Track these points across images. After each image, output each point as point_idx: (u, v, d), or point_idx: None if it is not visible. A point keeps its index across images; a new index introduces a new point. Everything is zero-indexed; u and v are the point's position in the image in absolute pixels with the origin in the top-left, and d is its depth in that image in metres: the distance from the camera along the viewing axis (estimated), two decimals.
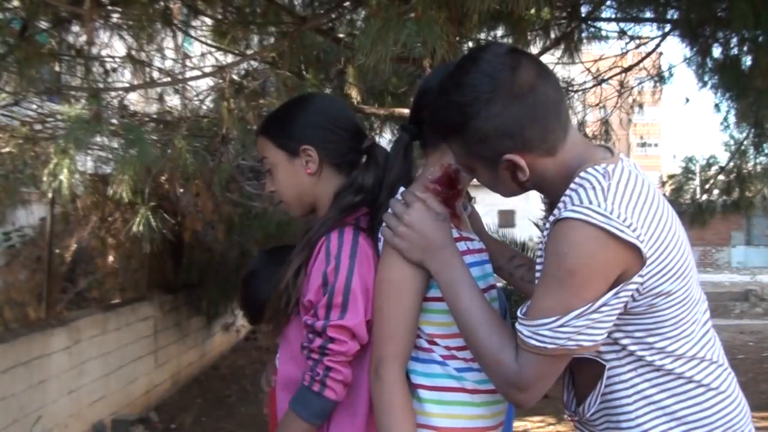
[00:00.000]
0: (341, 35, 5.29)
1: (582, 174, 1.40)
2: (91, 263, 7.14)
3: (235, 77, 4.96)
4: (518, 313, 1.44)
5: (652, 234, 1.35)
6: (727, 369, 1.52)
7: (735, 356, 9.33)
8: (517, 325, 1.43)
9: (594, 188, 1.36)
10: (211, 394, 7.50)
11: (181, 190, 6.47)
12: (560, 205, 1.41)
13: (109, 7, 4.30)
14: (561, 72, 7.38)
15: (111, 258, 6.97)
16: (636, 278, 1.35)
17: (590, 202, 1.34)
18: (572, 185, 1.41)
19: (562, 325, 1.35)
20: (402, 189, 1.73)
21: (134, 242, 5.84)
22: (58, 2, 3.49)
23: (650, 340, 1.44)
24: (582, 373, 1.54)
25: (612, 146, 1.53)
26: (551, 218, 1.41)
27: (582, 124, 7.92)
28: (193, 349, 8.21)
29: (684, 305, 1.43)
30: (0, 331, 5.47)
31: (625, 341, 1.46)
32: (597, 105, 7.74)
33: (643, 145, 40.95)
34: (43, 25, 4.19)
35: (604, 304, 1.35)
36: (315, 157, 1.80)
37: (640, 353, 1.45)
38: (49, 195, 5.48)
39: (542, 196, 1.63)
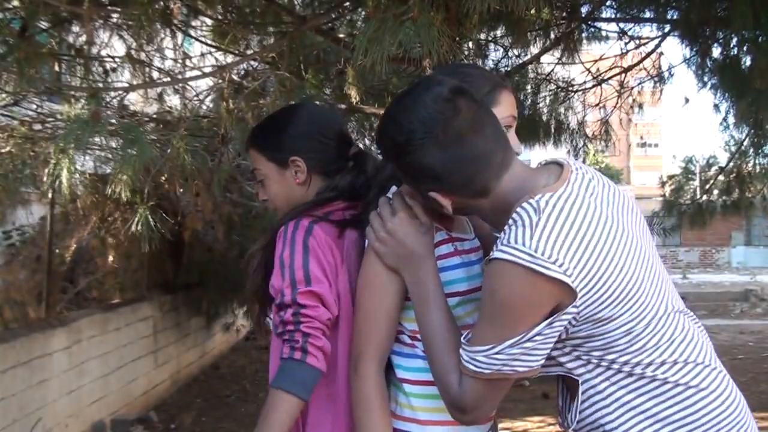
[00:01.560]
0: (341, 35, 5.29)
1: (517, 210, 1.44)
2: (91, 263, 7.15)
3: (234, 77, 4.96)
4: (461, 339, 1.51)
5: (584, 265, 1.38)
6: (713, 367, 1.53)
7: (735, 356, 9.34)
8: (460, 350, 1.49)
9: (523, 226, 1.40)
10: (211, 394, 7.51)
11: (181, 190, 6.47)
12: (497, 241, 1.45)
13: (109, 7, 4.30)
14: (561, 72, 7.38)
15: (111, 258, 6.98)
16: (570, 309, 1.40)
17: (516, 242, 1.38)
18: (509, 221, 1.45)
19: (497, 353, 1.42)
20: (394, 188, 1.75)
21: (134, 242, 5.84)
22: (57, 2, 3.49)
23: (610, 357, 1.48)
24: (569, 385, 1.58)
25: (564, 160, 1.56)
26: (486, 257, 1.47)
27: (582, 125, 7.92)
28: (192, 349, 8.21)
29: (636, 323, 1.45)
30: (0, 330, 5.47)
31: (587, 358, 1.50)
32: (597, 105, 7.73)
33: (643, 145, 40.95)
34: (43, 25, 4.19)
35: (538, 334, 1.40)
36: (303, 168, 1.86)
37: (605, 364, 1.49)
38: (49, 195, 5.49)
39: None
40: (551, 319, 1.39)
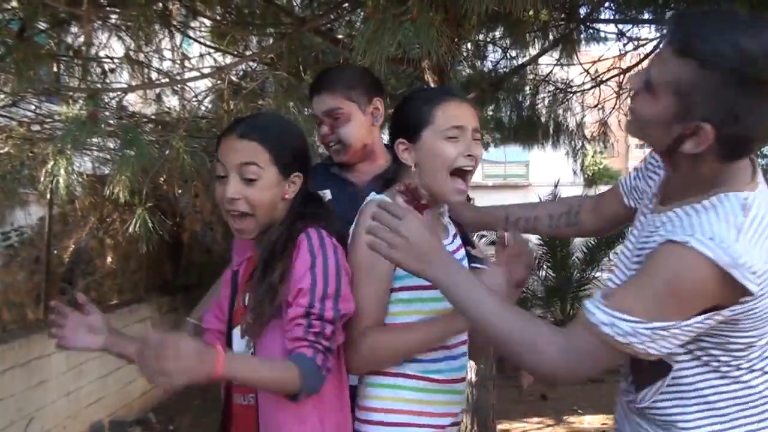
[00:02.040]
0: (340, 36, 5.28)
1: (720, 196, 1.39)
2: (89, 264, 7.14)
3: (233, 78, 4.96)
4: (597, 295, 1.43)
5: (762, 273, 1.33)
6: None
7: None
8: (592, 306, 1.41)
9: (727, 222, 1.34)
10: (209, 395, 7.49)
11: (180, 191, 6.46)
12: (683, 219, 1.40)
13: (108, 8, 4.30)
14: (559, 73, 7.38)
15: (109, 259, 6.97)
16: (728, 311, 1.35)
17: (718, 237, 1.31)
18: (702, 203, 1.39)
19: (644, 329, 1.35)
20: (370, 197, 1.87)
21: (132, 243, 5.83)
22: (56, 3, 3.49)
23: (715, 352, 1.44)
24: (642, 364, 1.51)
25: (753, 159, 1.48)
26: (668, 231, 1.39)
27: (580, 126, 7.92)
28: None
29: (762, 333, 1.42)
30: None
31: (692, 348, 1.46)
32: (596, 106, 7.73)
33: (642, 146, 40.93)
34: (42, 25, 4.18)
35: (689, 326, 1.35)
36: (298, 185, 1.87)
37: (706, 359, 1.45)
38: (48, 196, 5.48)
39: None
40: (708, 315, 1.35)
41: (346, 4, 4.83)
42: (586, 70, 6.99)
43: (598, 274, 8.89)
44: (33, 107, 5.12)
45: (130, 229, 3.96)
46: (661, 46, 1.49)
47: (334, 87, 2.30)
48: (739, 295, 1.33)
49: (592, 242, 9.68)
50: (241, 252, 1.95)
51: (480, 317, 1.51)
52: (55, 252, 6.59)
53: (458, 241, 1.95)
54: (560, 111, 7.73)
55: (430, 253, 1.56)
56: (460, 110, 1.89)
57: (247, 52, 5.33)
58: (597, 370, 1.45)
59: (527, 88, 7.46)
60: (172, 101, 6.16)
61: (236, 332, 1.85)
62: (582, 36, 6.31)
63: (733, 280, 1.30)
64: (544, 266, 8.97)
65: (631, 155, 43.59)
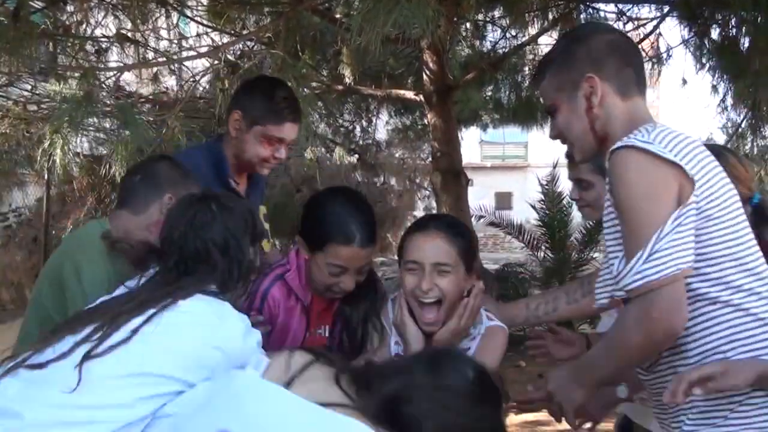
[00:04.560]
0: (337, 15, 5.25)
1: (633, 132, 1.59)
2: None
3: (230, 57, 4.93)
4: (614, 273, 1.54)
5: (696, 163, 1.52)
6: None
7: None
8: (623, 277, 1.50)
9: (638, 133, 1.55)
10: None
11: None
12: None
13: None
14: None
15: None
16: (692, 198, 1.49)
17: (631, 138, 1.53)
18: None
19: (652, 253, 1.45)
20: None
21: None
22: None
23: (704, 268, 1.52)
24: None
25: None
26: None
27: None
28: None
29: (733, 233, 1.54)
30: None
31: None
32: None
33: None
34: (38, 4, 4.15)
35: (677, 221, 1.46)
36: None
37: (695, 285, 1.52)
38: (45, 176, 5.47)
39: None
40: (681, 207, 1.47)
41: None
42: None
43: (596, 254, 8.90)
44: (29, 87, 5.10)
45: None
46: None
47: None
48: (686, 178, 1.50)
49: (591, 223, 9.68)
50: (305, 293, 2.12)
51: (601, 377, 1.66)
52: (54, 232, 6.59)
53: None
54: None
55: (571, 384, 1.68)
56: (421, 244, 1.96)
57: (244, 31, 5.30)
58: (683, 312, 1.49)
59: (526, 68, 7.43)
60: (169, 81, 6.14)
61: None
62: (581, 15, 6.27)
63: (659, 158, 1.48)
64: (543, 247, 8.99)
65: None
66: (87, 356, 1.49)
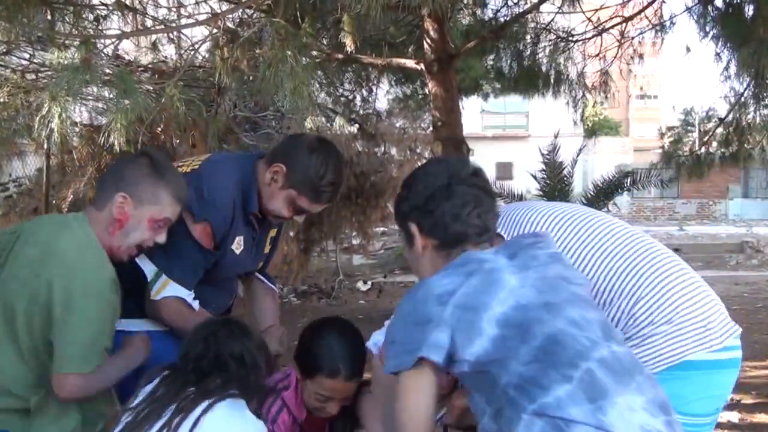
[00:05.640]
0: None
1: None
2: None
3: (229, 25, 4.89)
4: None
5: None
6: None
7: (730, 307, 9.31)
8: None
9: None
10: None
11: (177, 141, 6.43)
12: None
13: None
14: (561, 21, 7.29)
15: None
16: None
17: None
18: None
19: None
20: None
21: None
22: None
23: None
24: None
25: None
26: None
27: (581, 75, 7.85)
28: None
29: None
30: None
31: None
32: (597, 55, 7.66)
33: (643, 97, 40.69)
34: None
35: None
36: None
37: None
38: (44, 146, 5.45)
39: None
40: None
41: None
42: (588, 18, 6.90)
43: None
44: (27, 56, 5.06)
45: None
46: None
47: None
48: None
49: (592, 193, 9.68)
50: (300, 411, 2.24)
51: None
52: (54, 202, 6.58)
53: None
54: (561, 60, 7.66)
55: None
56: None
57: None
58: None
59: (528, 36, 7.37)
60: (168, 50, 6.09)
61: None
62: None
63: None
64: None
65: (631, 105, 43.25)
66: None
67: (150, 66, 5.66)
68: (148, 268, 2.22)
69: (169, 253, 2.21)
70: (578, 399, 1.43)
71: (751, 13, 5.46)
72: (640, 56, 7.80)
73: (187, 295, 2.28)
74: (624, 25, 7.08)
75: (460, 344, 1.54)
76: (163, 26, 5.12)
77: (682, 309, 1.86)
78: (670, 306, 1.85)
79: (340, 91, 8.80)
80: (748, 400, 5.12)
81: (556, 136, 8.92)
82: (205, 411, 1.80)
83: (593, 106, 27.38)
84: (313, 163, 2.27)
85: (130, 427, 1.81)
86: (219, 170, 2.36)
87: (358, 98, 9.05)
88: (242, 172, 2.36)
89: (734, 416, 4.72)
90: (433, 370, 1.58)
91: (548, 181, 9.16)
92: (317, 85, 7.43)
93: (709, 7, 6.05)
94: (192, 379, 1.89)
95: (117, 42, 4.31)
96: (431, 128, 7.31)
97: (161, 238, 2.11)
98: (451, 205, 1.73)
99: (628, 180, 9.87)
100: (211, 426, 1.78)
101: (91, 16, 4.67)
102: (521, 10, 6.74)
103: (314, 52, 5.72)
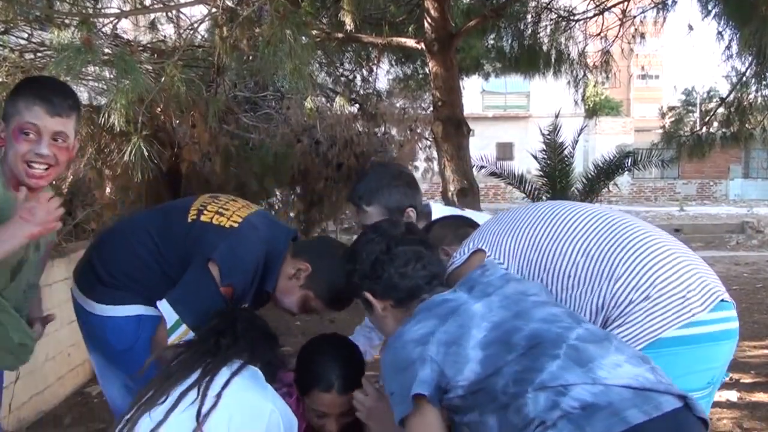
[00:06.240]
0: None
1: None
2: (88, 195, 7.13)
3: (229, 3, 4.85)
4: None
5: None
6: None
7: (730, 287, 9.40)
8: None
9: None
10: None
11: (177, 122, 6.41)
12: None
13: None
14: (562, 0, 7.24)
15: (108, 190, 6.96)
16: None
17: None
18: None
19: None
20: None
21: (132, 174, 5.81)
22: None
23: None
24: None
25: None
26: None
27: (583, 55, 7.81)
28: None
29: None
30: None
31: None
32: (598, 35, 7.62)
33: (644, 76, 40.52)
34: None
35: None
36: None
37: None
38: None
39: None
40: None
41: None
42: None
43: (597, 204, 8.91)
44: (26, 35, 5.03)
45: (126, 158, 3.93)
46: None
47: None
48: None
49: (592, 173, 9.67)
50: (299, 423, 2.21)
51: None
52: (54, 183, 6.57)
53: None
54: (562, 39, 7.62)
55: None
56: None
57: None
58: None
59: (529, 15, 7.33)
60: (167, 30, 6.05)
61: None
62: None
63: None
64: (544, 197, 8.99)
65: (633, 85, 43.02)
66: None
67: (149, 45, 5.62)
68: (170, 315, 2.25)
69: (191, 305, 2.24)
70: (570, 367, 1.57)
71: None
72: (642, 35, 7.76)
73: None
74: (626, 3, 7.04)
75: (452, 375, 1.66)
76: (162, 5, 5.08)
77: (659, 282, 1.87)
78: (647, 282, 1.87)
79: (340, 70, 8.76)
80: (747, 379, 5.15)
81: (557, 116, 8.90)
82: (234, 373, 1.94)
83: (594, 86, 27.25)
84: (338, 272, 2.24)
85: (158, 383, 1.94)
86: (255, 236, 2.38)
87: (359, 78, 9.01)
88: (275, 247, 2.41)
89: (733, 395, 4.74)
90: (433, 404, 1.68)
91: (549, 162, 9.16)
92: (317, 65, 7.40)
93: None
94: (212, 350, 2.03)
95: (116, 21, 4.29)
96: (432, 108, 7.28)
97: (42, 149, 2.11)
98: (395, 267, 1.94)
99: (629, 160, 9.87)
100: (239, 387, 1.92)
101: None
102: None
103: (314, 31, 5.68)
